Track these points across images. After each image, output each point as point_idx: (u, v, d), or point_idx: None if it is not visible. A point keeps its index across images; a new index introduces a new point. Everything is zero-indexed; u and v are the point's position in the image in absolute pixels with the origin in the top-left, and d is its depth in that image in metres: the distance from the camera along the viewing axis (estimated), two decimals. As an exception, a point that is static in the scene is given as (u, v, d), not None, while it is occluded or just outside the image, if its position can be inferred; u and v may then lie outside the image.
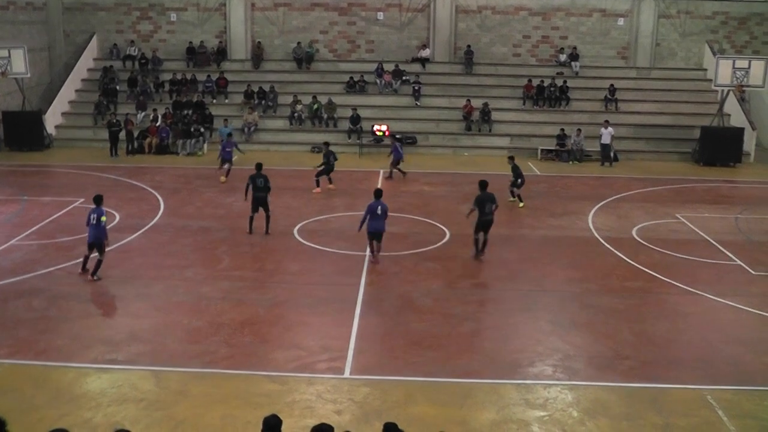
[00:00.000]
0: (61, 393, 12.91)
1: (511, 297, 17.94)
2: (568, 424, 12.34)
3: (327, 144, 28.59)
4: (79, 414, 12.20)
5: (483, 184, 20.71)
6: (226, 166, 28.78)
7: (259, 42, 40.25)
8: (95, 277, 18.20)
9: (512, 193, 26.14)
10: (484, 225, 20.48)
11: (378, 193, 20.37)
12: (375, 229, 19.97)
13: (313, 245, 21.32)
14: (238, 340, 15.18)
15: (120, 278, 18.54)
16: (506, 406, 12.81)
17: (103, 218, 18.27)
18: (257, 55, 39.99)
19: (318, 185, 27.41)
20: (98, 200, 18.60)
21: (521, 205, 25.87)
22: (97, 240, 18.29)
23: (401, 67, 39.21)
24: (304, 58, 39.77)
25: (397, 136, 32.70)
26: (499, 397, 13.13)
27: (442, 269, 19.68)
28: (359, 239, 21.47)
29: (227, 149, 29.37)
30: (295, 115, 36.58)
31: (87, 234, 18.45)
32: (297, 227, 22.83)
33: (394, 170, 30.07)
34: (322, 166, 27.61)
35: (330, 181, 27.68)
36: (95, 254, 18.48)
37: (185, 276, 18.49)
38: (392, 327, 16.04)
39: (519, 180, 26.04)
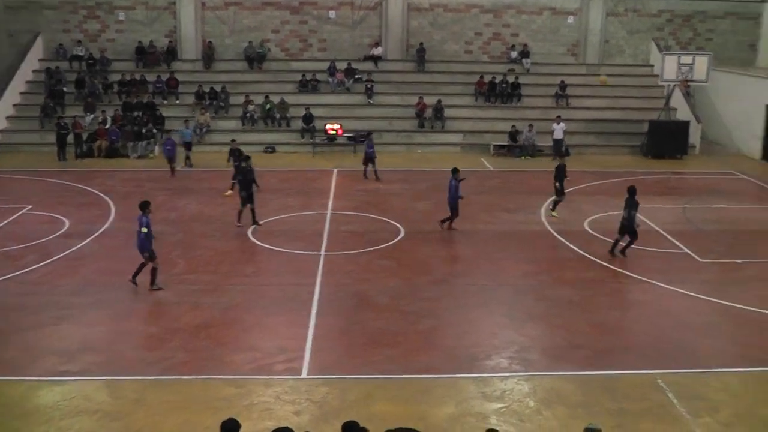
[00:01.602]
0: (11, 408, 12.62)
1: (467, 292, 18.10)
2: (525, 414, 12.55)
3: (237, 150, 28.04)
4: (30, 430, 11.98)
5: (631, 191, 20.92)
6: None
7: (210, 41, 39.88)
8: (153, 287, 17.81)
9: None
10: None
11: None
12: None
13: (268, 246, 21.29)
14: (194, 344, 15.10)
15: (72, 286, 18.28)
16: (464, 400, 12.97)
17: (144, 229, 17.58)
18: (208, 55, 39.58)
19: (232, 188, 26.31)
20: (143, 207, 17.88)
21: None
22: (140, 248, 17.77)
23: (354, 65, 39.18)
24: (255, 58, 39.54)
25: (367, 133, 32.08)
26: (457, 391, 13.29)
27: (398, 266, 19.79)
28: (314, 239, 21.57)
29: (167, 147, 29.22)
30: (248, 115, 36.39)
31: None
32: (251, 228, 22.77)
33: (369, 170, 29.62)
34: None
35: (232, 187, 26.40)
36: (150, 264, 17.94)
37: (139, 281, 18.18)
38: (349, 326, 16.11)
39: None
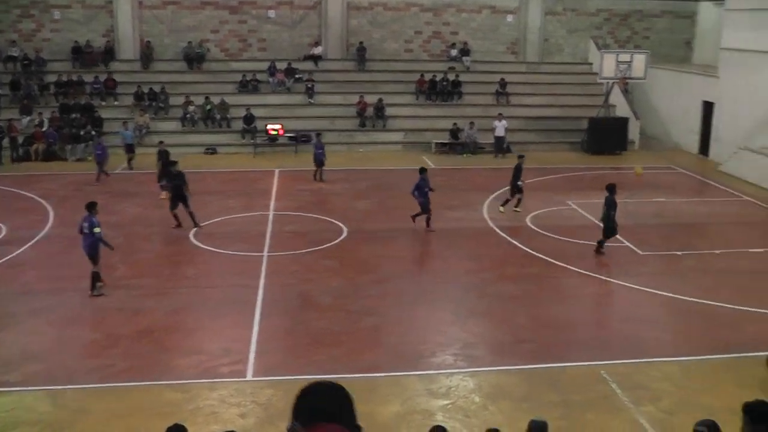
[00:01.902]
0: (-54, 423, 12.27)
1: (411, 290, 18.13)
2: (471, 409, 12.62)
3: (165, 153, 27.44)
4: (-32, 443, 11.68)
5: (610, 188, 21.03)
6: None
7: (148, 41, 39.20)
8: (94, 293, 17.43)
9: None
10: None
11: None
12: None
13: (210, 248, 21.07)
14: (137, 350, 14.86)
15: (11, 294, 17.82)
16: (410, 398, 12.99)
17: (97, 229, 17.32)
18: (147, 55, 38.90)
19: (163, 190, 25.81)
20: (91, 207, 17.65)
21: None
22: (91, 250, 17.40)
23: (294, 65, 38.93)
24: (195, 58, 39.05)
25: (316, 134, 31.19)
26: (403, 389, 13.30)
27: (341, 266, 19.75)
28: (257, 240, 21.43)
29: (98, 152, 28.76)
30: (188, 116, 35.95)
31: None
32: (193, 230, 22.51)
33: (318, 171, 29.22)
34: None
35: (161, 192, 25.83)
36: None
37: (80, 287, 17.78)
38: (293, 326, 16.03)
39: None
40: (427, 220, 22.68)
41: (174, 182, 23.05)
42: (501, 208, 24.89)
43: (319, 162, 28.89)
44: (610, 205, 20.59)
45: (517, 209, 24.88)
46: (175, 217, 22.62)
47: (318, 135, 29.93)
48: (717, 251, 21.41)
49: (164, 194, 25.07)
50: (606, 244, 20.98)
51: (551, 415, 11.51)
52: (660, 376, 14.07)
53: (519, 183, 24.70)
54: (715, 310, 17.45)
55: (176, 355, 14.66)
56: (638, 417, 12.52)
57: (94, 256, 17.47)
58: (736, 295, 18.16)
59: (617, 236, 21.18)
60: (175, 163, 24.36)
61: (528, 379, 13.75)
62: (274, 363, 14.33)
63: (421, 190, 22.52)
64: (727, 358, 14.90)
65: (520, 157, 25.55)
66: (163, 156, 27.02)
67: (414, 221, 22.79)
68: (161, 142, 29.32)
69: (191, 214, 22.61)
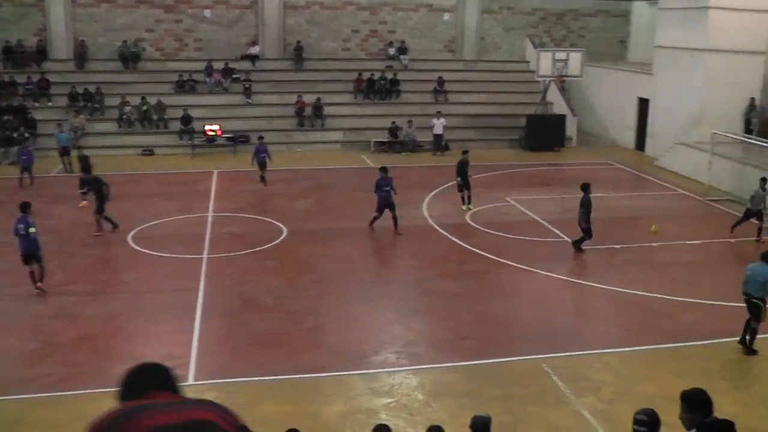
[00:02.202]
0: None
1: (352, 289, 18.08)
2: (414, 407, 12.62)
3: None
4: None
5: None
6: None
7: (82, 40, 38.31)
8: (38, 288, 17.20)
9: None
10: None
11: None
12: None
13: (149, 252, 20.72)
14: (76, 358, 14.50)
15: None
16: (353, 397, 12.94)
17: (32, 229, 17.15)
18: (81, 55, 38.02)
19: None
20: (25, 208, 17.50)
21: None
22: (30, 250, 17.21)
23: (231, 65, 38.60)
24: (130, 58, 38.36)
25: (259, 137, 30.24)
26: (346, 388, 13.25)
27: (282, 266, 19.61)
28: (196, 242, 21.18)
29: (23, 157, 28.07)
30: (124, 117, 35.33)
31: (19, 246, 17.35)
32: (131, 234, 22.12)
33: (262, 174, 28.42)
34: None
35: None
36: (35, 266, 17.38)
37: (15, 294, 17.35)
38: (234, 328, 15.85)
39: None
40: (375, 219, 22.53)
41: (92, 188, 22.57)
42: (463, 207, 24.95)
43: (263, 165, 28.28)
44: (584, 205, 20.63)
45: (469, 206, 25.01)
46: (107, 220, 22.20)
47: (260, 138, 29.40)
48: (654, 244, 21.76)
49: (85, 202, 24.39)
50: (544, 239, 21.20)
51: (494, 409, 11.55)
52: (600, 367, 14.27)
53: (458, 180, 24.80)
54: (653, 302, 17.77)
55: (116, 362, 14.27)
56: (580, 408, 12.67)
57: (36, 253, 17.25)
58: (672, 286, 18.53)
59: (554, 230, 21.39)
60: (89, 168, 24.12)
61: (470, 375, 13.80)
62: (216, 366, 14.14)
63: (380, 189, 22.31)
64: (664, 348, 15.18)
65: (465, 152, 25.70)
66: (82, 162, 26.48)
67: (398, 231, 22.51)
68: (80, 149, 28.62)
69: (98, 221, 22.08)
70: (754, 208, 22.17)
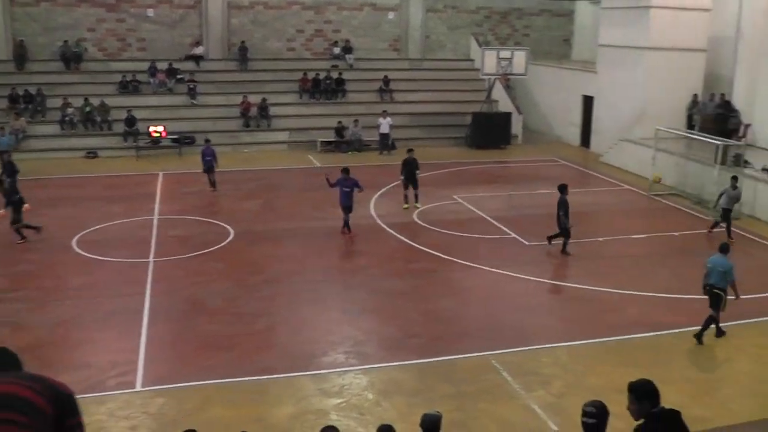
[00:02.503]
0: None
1: (300, 290, 17.98)
2: (365, 407, 12.60)
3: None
4: None
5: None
6: None
7: (21, 40, 37.35)
8: None
9: None
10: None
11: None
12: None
13: (94, 256, 20.35)
14: (19, 367, 14.17)
15: None
16: (303, 398, 12.87)
17: None
18: (20, 55, 37.08)
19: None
20: None
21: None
22: None
23: (175, 65, 38.15)
24: (72, 58, 37.59)
25: (205, 140, 29.37)
26: (295, 390, 13.17)
27: (230, 268, 19.44)
28: (142, 246, 20.88)
29: None
30: (67, 118, 34.66)
31: None
32: (75, 238, 21.72)
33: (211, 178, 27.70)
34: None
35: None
36: None
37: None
38: (182, 332, 15.66)
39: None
40: (346, 223, 22.31)
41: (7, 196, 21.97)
42: (405, 206, 24.93)
43: (210, 169, 27.57)
44: (561, 206, 20.62)
45: (416, 204, 25.03)
46: (27, 228, 21.72)
47: (207, 141, 28.74)
48: (600, 239, 22.03)
49: (2, 211, 23.30)
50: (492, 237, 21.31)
51: (445, 407, 11.59)
52: (549, 361, 14.40)
53: (402, 178, 24.81)
54: (599, 295, 18.03)
55: (62, 371, 13.90)
56: (530, 402, 12.77)
57: None
58: (619, 279, 18.82)
59: (501, 227, 21.52)
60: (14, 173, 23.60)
61: (420, 373, 13.82)
62: (164, 371, 13.94)
63: (341, 189, 22.10)
64: (612, 341, 15.42)
65: (409, 151, 25.75)
66: (8, 168, 25.45)
67: (348, 232, 22.40)
68: (8, 153, 27.91)
69: (17, 230, 21.53)
70: (729, 207, 22.15)
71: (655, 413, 6.77)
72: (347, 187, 22.10)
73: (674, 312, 16.95)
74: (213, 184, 27.43)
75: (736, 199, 22.47)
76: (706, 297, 15.40)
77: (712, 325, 15.37)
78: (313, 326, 16.03)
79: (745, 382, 13.89)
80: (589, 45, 41.51)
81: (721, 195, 22.53)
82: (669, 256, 21.19)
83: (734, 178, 22.64)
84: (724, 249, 15.52)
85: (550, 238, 21.06)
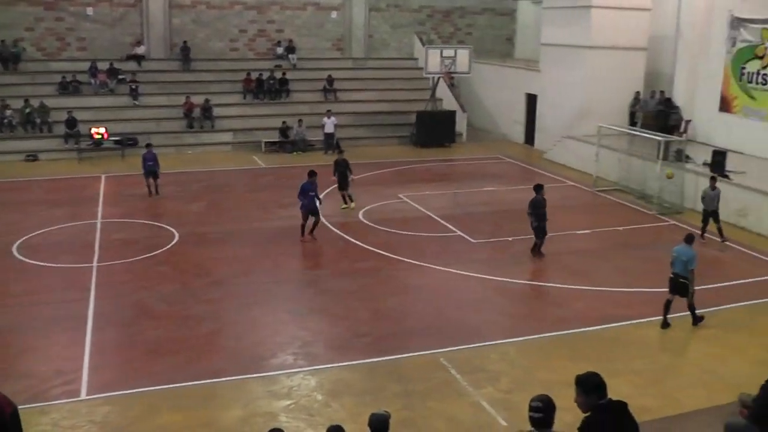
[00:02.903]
0: None
1: (247, 291, 17.85)
2: (314, 408, 12.54)
3: None
4: None
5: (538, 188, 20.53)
6: None
7: (-45, 41, 36.76)
8: None
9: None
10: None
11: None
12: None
13: (35, 262, 19.92)
14: (-43, 379, 13.84)
15: None
16: (252, 401, 12.77)
17: None
18: (-45, 56, 36.50)
19: None
20: None
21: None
22: None
23: (116, 65, 37.58)
24: (9, 58, 36.73)
25: (146, 144, 28.38)
26: (243, 393, 13.06)
27: (175, 271, 19.21)
28: (85, 250, 20.54)
29: None
30: (5, 120, 33.86)
31: None
32: (16, 244, 21.24)
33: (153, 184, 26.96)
34: None
35: None
36: None
37: None
38: (128, 338, 15.42)
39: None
40: (302, 227, 21.78)
41: None
42: (343, 206, 24.87)
43: (151, 173, 26.78)
44: (531, 206, 20.37)
45: (351, 205, 24.99)
46: None
47: (148, 145, 27.86)
48: (546, 235, 22.23)
49: None
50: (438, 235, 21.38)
51: (394, 406, 11.63)
52: (497, 357, 14.49)
53: (350, 179, 24.85)
54: (546, 290, 18.28)
55: (2, 381, 13.61)
56: (479, 399, 12.83)
57: None
58: (564, 274, 19.06)
59: (447, 225, 21.58)
60: None
61: (369, 372, 13.81)
62: (109, 378, 13.67)
63: (305, 193, 21.48)
64: (558, 335, 15.56)
65: (340, 152, 25.70)
66: None
67: (312, 235, 21.91)
68: None
69: None
70: (709, 209, 21.96)
71: (602, 405, 6.87)
72: (314, 192, 21.63)
73: (620, 305, 17.20)
74: (155, 190, 26.82)
75: (716, 198, 21.95)
76: (666, 288, 15.88)
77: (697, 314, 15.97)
78: (261, 328, 15.93)
79: (691, 373, 14.14)
80: (531, 44, 41.95)
81: (703, 198, 22.27)
82: (613, 250, 21.51)
83: (713, 179, 22.43)
84: (689, 239, 16.03)
85: (533, 251, 20.70)
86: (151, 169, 26.66)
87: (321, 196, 22.58)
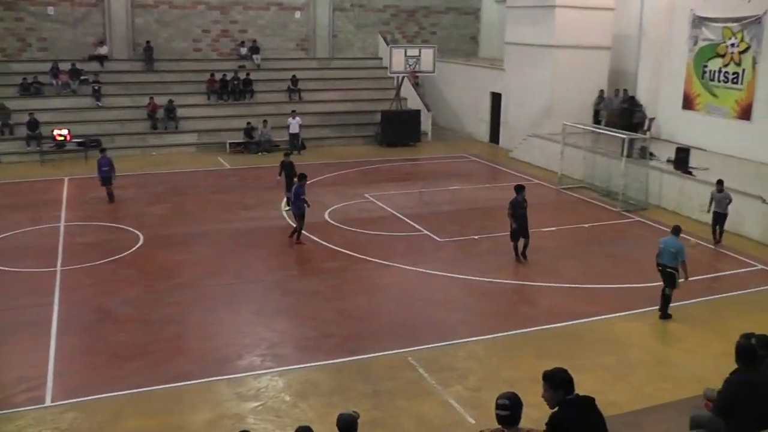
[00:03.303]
0: None
1: (212, 293, 17.74)
2: (282, 409, 12.50)
3: None
4: None
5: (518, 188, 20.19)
6: None
7: None
8: None
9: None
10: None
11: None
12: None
13: (-3, 266, 19.72)
14: None
15: None
16: (219, 404, 12.69)
17: None
18: None
19: None
20: None
21: None
22: None
23: (78, 65, 37.11)
24: (-32, 60, 36.42)
25: (100, 149, 27.78)
26: (211, 395, 12.98)
27: (140, 274, 19.01)
28: (49, 255, 20.28)
29: None
30: (-36, 124, 33.53)
31: None
32: (-24, 248, 21.02)
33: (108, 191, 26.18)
34: None
35: None
36: None
37: None
38: (92, 343, 15.22)
39: None
40: (298, 232, 21.52)
41: None
42: (290, 207, 24.56)
43: (107, 180, 25.98)
44: (514, 206, 20.05)
45: (288, 208, 24.35)
46: None
47: (103, 150, 27.02)
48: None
49: None
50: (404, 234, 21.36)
51: (362, 406, 11.60)
52: (465, 356, 14.54)
53: (278, 177, 24.62)
54: (512, 288, 18.38)
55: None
56: (447, 398, 12.87)
57: None
58: (531, 272, 19.21)
59: (414, 224, 21.57)
60: None
61: (337, 372, 13.78)
62: (74, 384, 13.48)
63: (298, 197, 21.22)
64: (525, 332, 15.67)
65: (286, 155, 25.53)
66: None
67: (293, 239, 21.61)
68: None
69: None
70: (719, 211, 21.64)
71: (569, 400, 6.93)
72: (304, 195, 21.32)
73: (586, 301, 17.34)
74: (111, 196, 25.98)
75: (725, 201, 21.56)
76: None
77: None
78: (227, 330, 15.82)
79: (657, 367, 14.30)
80: (496, 43, 42.10)
81: (711, 201, 21.92)
82: (579, 247, 21.68)
83: (719, 182, 21.86)
84: (676, 231, 16.43)
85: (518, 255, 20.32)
86: (106, 175, 25.89)
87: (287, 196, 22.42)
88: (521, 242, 20.15)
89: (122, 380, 13.52)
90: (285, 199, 24.86)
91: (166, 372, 13.85)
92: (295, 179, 22.19)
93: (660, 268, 16.27)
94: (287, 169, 24.54)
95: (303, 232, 21.61)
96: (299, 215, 21.38)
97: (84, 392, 13.12)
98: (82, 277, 18.86)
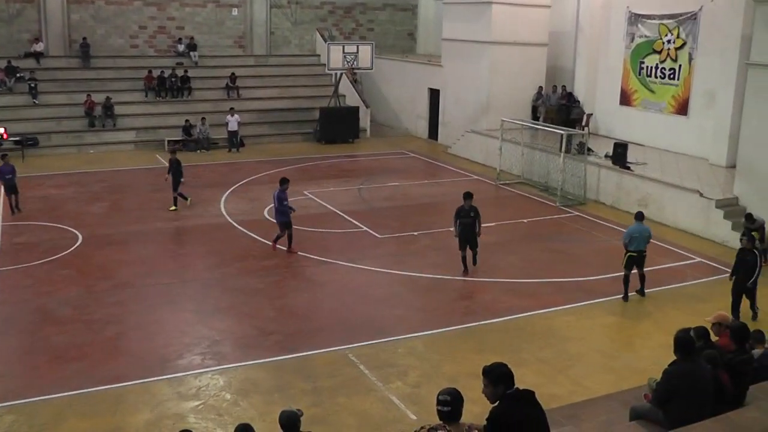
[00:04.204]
0: None
1: (152, 293, 17.67)
2: (223, 407, 12.56)
3: None
4: None
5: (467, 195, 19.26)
6: None
7: None
8: None
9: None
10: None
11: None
12: None
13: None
14: None
15: None
16: (160, 403, 12.70)
17: None
18: None
19: None
20: None
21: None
22: None
23: (14, 63, 36.41)
24: None
25: (2, 155, 25.53)
26: (151, 395, 12.97)
27: (79, 274, 18.82)
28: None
29: None
30: None
31: None
32: None
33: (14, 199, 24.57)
34: None
35: None
36: None
37: None
38: (31, 344, 15.06)
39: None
40: (289, 238, 20.58)
41: None
42: (175, 207, 24.45)
43: (11, 188, 24.37)
44: (457, 213, 19.19)
45: (174, 207, 24.42)
46: None
47: (4, 156, 25.22)
48: (451, 228, 22.40)
49: None
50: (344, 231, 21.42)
51: (303, 403, 11.74)
52: (405, 352, 14.72)
53: (180, 180, 24.34)
54: (452, 284, 18.59)
55: None
56: (388, 394, 13.04)
57: None
58: (469, 267, 19.27)
59: (353, 221, 21.63)
60: None
61: (277, 370, 13.87)
62: (14, 387, 13.31)
63: (282, 203, 20.31)
64: (465, 328, 15.93)
65: (173, 152, 25.45)
66: None
67: (275, 247, 20.88)
68: None
69: None
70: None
71: (510, 395, 7.02)
72: (286, 200, 20.56)
73: (525, 296, 17.64)
74: (16, 206, 24.42)
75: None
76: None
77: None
78: (167, 329, 15.80)
79: (596, 359, 14.64)
80: (433, 39, 42.45)
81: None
82: (518, 242, 22.01)
83: (749, 216, 19.60)
84: (640, 216, 17.82)
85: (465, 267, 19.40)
86: (10, 183, 24.46)
87: (227, 194, 22.27)
88: (469, 252, 19.25)
89: (62, 382, 13.43)
90: (173, 198, 24.49)
91: (107, 372, 13.79)
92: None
93: (636, 253, 17.25)
94: (174, 166, 24.30)
95: (281, 238, 20.67)
96: (285, 223, 20.44)
97: (23, 394, 12.99)
98: (20, 277, 18.60)
